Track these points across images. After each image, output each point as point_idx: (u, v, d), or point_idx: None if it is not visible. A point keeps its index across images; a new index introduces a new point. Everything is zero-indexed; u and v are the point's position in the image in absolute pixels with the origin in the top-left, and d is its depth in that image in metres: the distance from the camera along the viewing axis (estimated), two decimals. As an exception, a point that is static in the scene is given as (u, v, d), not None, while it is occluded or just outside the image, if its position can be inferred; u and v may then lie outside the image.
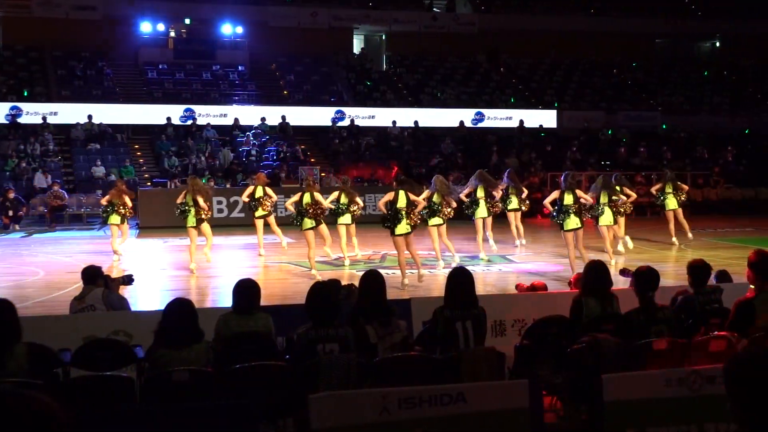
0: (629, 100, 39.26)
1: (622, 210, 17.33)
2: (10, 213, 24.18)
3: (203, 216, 15.98)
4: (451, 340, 6.44)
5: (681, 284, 9.05)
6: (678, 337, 6.53)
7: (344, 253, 16.36)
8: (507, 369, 6.53)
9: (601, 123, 36.46)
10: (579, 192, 14.91)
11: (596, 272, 7.19)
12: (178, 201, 16.25)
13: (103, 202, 18.40)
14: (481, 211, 17.50)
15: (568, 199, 14.59)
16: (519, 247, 18.96)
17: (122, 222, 17.86)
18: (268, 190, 18.25)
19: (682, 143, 36.22)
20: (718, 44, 45.10)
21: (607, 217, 16.41)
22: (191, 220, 15.94)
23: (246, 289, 6.79)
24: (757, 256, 6.63)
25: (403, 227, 13.82)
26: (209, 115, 32.43)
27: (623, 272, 9.09)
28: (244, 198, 18.75)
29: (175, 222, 23.21)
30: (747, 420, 2.86)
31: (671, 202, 19.55)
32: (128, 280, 9.05)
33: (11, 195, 24.39)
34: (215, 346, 6.28)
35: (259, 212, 18.09)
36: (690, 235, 19.61)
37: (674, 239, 19.48)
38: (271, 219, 18.23)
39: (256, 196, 18.02)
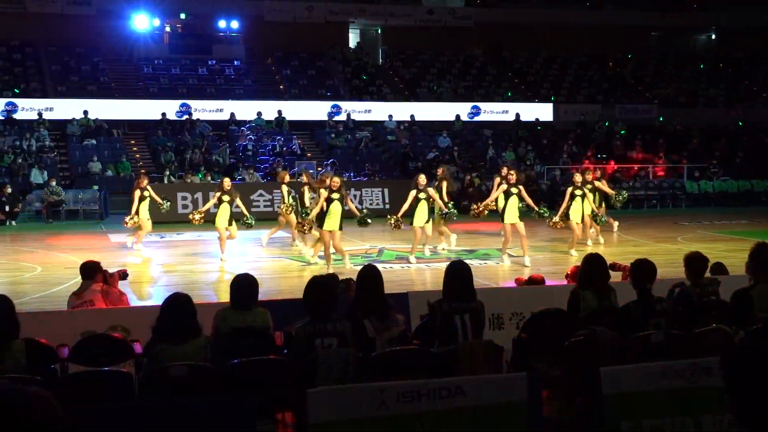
0: (625, 93, 39.27)
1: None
2: (6, 209, 24.15)
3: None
4: (449, 333, 6.43)
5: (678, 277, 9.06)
6: (675, 330, 6.53)
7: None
8: (505, 362, 6.53)
9: (597, 116, 36.49)
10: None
11: (593, 265, 7.18)
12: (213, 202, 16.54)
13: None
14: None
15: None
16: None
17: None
18: (284, 188, 18.65)
19: (678, 136, 36.27)
20: (713, 37, 45.11)
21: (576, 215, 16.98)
22: (224, 220, 16.23)
23: (244, 285, 6.77)
24: (758, 248, 6.64)
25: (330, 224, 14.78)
26: (205, 110, 32.40)
27: (612, 267, 9.09)
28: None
29: (172, 218, 23.30)
30: (744, 412, 2.87)
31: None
32: (123, 275, 9.04)
33: (8, 190, 24.36)
34: (213, 342, 6.28)
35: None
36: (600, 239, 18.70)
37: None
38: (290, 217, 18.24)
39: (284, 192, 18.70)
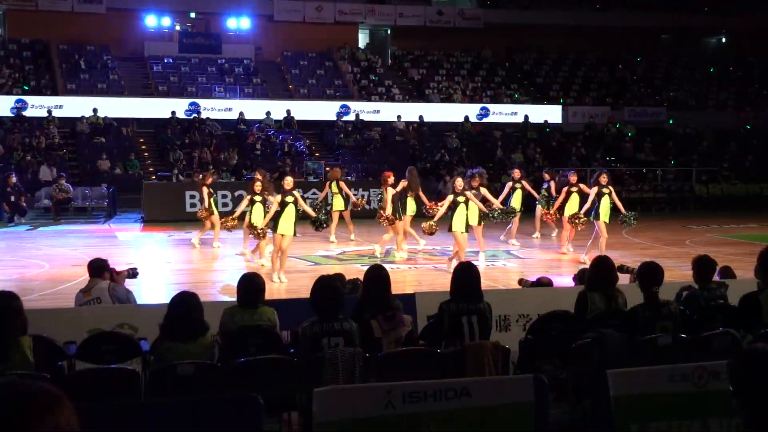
0: (635, 96, 39.19)
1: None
2: (12, 198, 24.04)
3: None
4: (456, 334, 6.44)
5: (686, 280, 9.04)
6: (683, 333, 6.52)
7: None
8: (512, 364, 6.53)
9: (607, 118, 36.43)
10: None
11: (602, 267, 7.18)
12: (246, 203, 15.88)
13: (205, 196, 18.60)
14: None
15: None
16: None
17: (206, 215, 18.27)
18: (343, 185, 19.50)
19: (688, 139, 36.17)
20: (724, 39, 44.98)
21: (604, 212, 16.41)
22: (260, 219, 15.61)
23: (251, 283, 6.79)
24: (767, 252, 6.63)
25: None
26: (214, 109, 32.44)
27: (621, 269, 9.07)
28: (322, 197, 19.95)
29: (180, 216, 23.35)
30: (752, 416, 2.86)
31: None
32: (133, 273, 9.06)
33: (13, 180, 24.29)
34: (220, 340, 6.29)
35: (337, 206, 19.37)
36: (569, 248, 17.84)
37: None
38: (348, 213, 19.52)
39: (333, 190, 19.38)
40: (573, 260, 16.44)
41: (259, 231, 15.02)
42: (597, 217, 16.22)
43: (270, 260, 14.84)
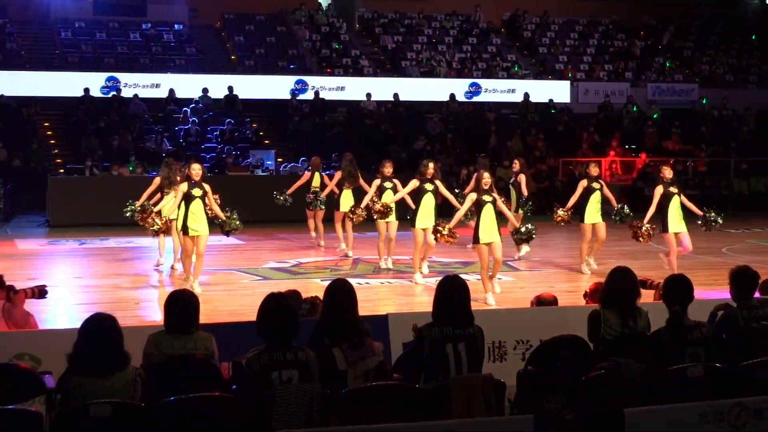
0: (660, 70, 39.42)
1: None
2: None
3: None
4: (439, 365, 6.45)
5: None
6: (717, 362, 6.57)
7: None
8: (508, 401, 6.55)
9: (625, 98, 36.62)
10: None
11: (619, 281, 7.20)
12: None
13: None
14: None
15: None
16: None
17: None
18: (326, 177, 19.65)
19: (725, 122, 36.40)
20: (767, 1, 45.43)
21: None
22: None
23: (181, 303, 6.75)
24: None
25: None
26: (137, 85, 32.29)
27: (643, 284, 9.12)
28: (295, 187, 19.95)
29: (95, 219, 23.19)
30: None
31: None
32: (41, 292, 9.00)
33: None
34: (144, 374, 6.26)
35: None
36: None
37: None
38: (320, 214, 19.60)
39: (314, 184, 19.50)
40: (593, 274, 16.40)
41: (160, 223, 14.76)
42: (665, 228, 15.19)
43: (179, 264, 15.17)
